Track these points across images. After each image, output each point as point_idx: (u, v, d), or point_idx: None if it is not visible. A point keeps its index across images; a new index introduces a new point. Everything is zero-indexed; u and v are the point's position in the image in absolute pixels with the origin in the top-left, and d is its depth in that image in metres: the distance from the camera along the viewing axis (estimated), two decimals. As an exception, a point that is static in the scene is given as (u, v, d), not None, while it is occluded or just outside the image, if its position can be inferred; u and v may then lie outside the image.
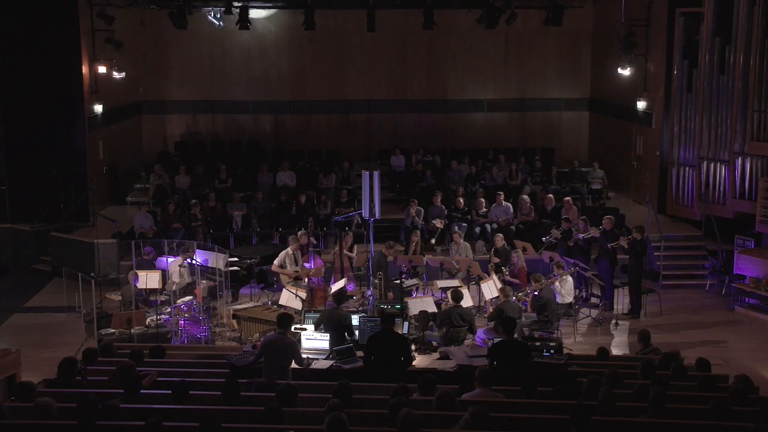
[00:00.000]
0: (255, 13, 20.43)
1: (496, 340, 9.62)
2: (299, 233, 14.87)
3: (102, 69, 18.31)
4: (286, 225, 17.11)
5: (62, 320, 14.07)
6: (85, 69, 17.73)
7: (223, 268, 13.59)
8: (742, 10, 15.74)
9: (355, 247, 15.14)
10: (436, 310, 11.95)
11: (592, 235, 14.52)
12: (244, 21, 19.06)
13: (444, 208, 17.27)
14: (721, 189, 16.56)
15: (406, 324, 10.75)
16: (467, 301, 12.32)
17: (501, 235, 15.20)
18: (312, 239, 14.99)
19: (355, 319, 10.58)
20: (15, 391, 8.04)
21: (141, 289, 13.03)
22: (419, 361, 9.91)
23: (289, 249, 14.06)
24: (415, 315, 11.39)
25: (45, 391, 8.19)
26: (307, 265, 13.99)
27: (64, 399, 7.52)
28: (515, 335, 11.15)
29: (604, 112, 22.09)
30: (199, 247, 14.22)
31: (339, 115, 22.93)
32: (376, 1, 19.36)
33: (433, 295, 13.33)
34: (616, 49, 19.46)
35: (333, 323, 10.26)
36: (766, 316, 14.38)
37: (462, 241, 15.18)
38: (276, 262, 13.98)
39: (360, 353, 9.70)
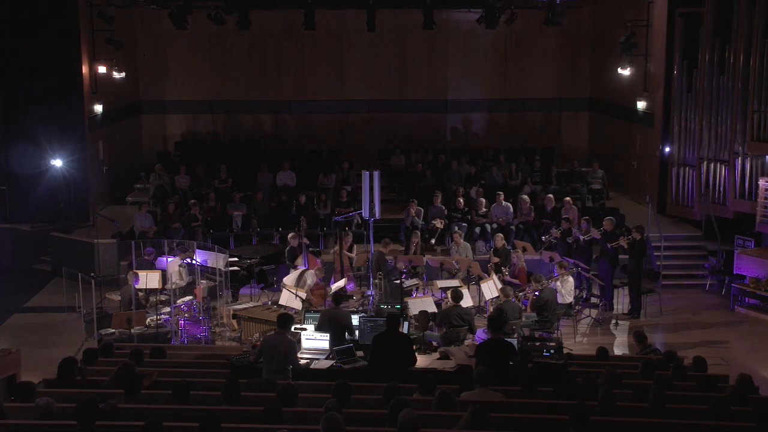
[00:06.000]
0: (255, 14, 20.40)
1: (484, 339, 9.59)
2: (289, 236, 14.77)
3: (102, 69, 18.32)
4: (286, 225, 17.09)
5: (62, 320, 14.06)
6: (85, 69, 17.73)
7: (223, 268, 13.59)
8: (742, 10, 15.73)
9: (355, 247, 15.13)
10: (436, 310, 11.95)
11: (593, 236, 14.52)
12: (244, 21, 19.05)
13: (444, 208, 17.26)
14: (721, 189, 16.54)
15: (406, 324, 10.75)
16: (467, 301, 12.32)
17: (501, 235, 15.22)
18: (305, 240, 14.84)
19: (355, 319, 10.59)
20: (15, 391, 8.03)
21: (138, 289, 13.04)
22: (419, 361, 9.91)
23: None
24: (415, 315, 11.40)
25: (45, 391, 8.18)
26: (300, 267, 13.95)
27: (64, 399, 7.50)
28: (515, 335, 11.20)
29: (604, 112, 22.06)
30: (199, 247, 14.23)
31: (339, 115, 22.91)
32: (376, 1, 19.34)
33: (433, 295, 13.32)
34: (616, 49, 19.44)
35: (333, 323, 10.26)
36: (766, 316, 14.38)
37: (462, 241, 15.19)
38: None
39: (360, 353, 9.71)
